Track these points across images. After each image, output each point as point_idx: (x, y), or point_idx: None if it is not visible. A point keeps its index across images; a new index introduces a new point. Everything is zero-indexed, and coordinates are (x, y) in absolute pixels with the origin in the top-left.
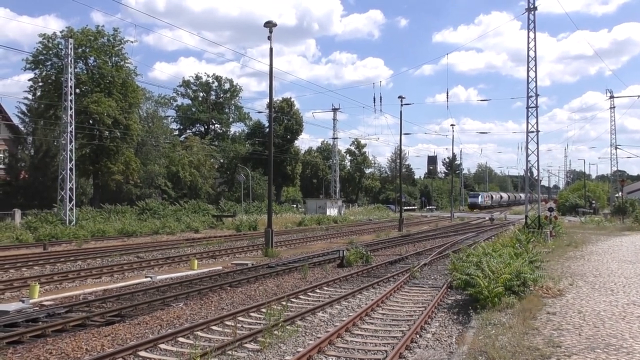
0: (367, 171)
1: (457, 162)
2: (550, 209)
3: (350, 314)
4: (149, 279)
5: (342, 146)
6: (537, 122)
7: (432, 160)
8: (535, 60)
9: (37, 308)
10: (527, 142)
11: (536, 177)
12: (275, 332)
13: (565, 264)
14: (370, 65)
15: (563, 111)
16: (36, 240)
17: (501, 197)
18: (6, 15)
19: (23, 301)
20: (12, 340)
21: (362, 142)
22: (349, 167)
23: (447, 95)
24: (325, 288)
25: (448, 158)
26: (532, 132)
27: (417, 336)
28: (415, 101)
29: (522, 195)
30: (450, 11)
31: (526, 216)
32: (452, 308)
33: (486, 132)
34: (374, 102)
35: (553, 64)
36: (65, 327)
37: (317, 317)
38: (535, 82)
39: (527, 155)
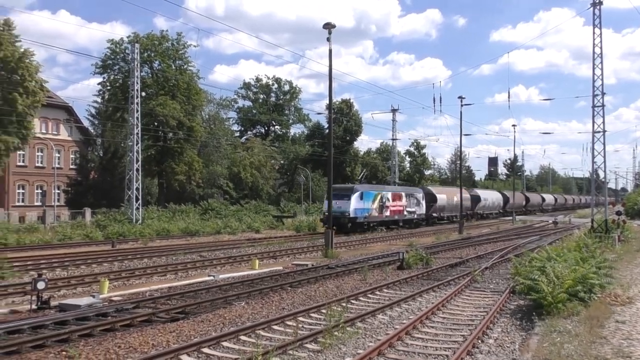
0: (427, 172)
1: (519, 163)
2: (618, 213)
3: (411, 317)
4: (211, 277)
5: (402, 147)
6: (603, 122)
7: (492, 161)
8: (602, 58)
9: (107, 303)
10: (593, 143)
11: (603, 179)
12: (336, 333)
13: (635, 271)
14: (428, 65)
15: (630, 110)
16: (105, 238)
17: (565, 199)
18: (78, 22)
19: (93, 296)
20: (84, 333)
21: (422, 143)
22: (408, 168)
23: (509, 95)
24: (385, 290)
25: (509, 159)
26: (598, 132)
27: (479, 341)
28: (475, 101)
29: (588, 198)
30: (509, 9)
31: (592, 220)
32: (515, 313)
33: (549, 133)
34: (434, 102)
35: (618, 61)
36: (132, 322)
37: (377, 320)
38: (602, 80)
39: (593, 157)
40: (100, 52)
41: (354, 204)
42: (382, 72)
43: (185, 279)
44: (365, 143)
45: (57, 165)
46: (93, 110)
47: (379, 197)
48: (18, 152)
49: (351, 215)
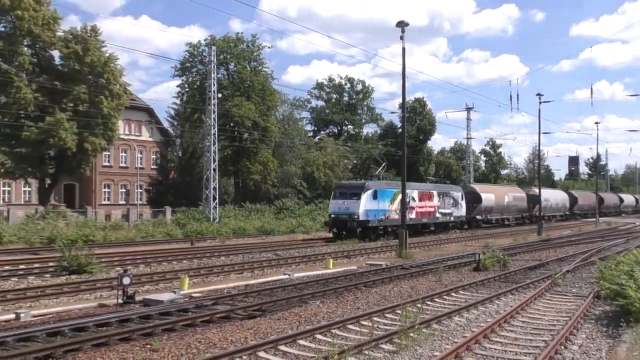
0: (503, 172)
1: (602, 162)
2: None
3: (488, 320)
4: (287, 276)
5: (476, 146)
6: None
7: (573, 160)
8: None
9: (187, 299)
10: None
11: None
12: (411, 334)
13: None
14: (504, 62)
15: None
16: (184, 236)
17: None
18: (158, 27)
19: (175, 292)
20: (167, 327)
21: (498, 141)
22: (483, 167)
23: (592, 91)
24: (461, 292)
25: (592, 158)
26: None
27: (562, 347)
28: (554, 98)
29: None
30: (591, 2)
31: None
32: (600, 320)
33: (636, 130)
34: (510, 100)
35: None
36: (212, 318)
37: (454, 322)
38: None
39: None
40: (179, 55)
41: (365, 204)
42: (456, 70)
43: (261, 277)
44: (438, 142)
45: (139, 165)
46: (172, 112)
47: (399, 197)
48: (104, 153)
49: (361, 218)
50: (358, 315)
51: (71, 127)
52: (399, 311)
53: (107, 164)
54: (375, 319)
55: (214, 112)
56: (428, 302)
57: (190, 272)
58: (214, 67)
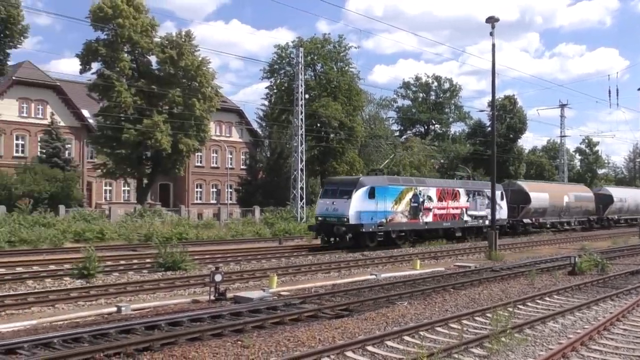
0: (600, 172)
1: None
2: None
3: (586, 327)
4: (373, 276)
5: (571, 145)
6: None
7: None
8: None
9: (276, 297)
10: None
11: None
12: (503, 339)
13: None
14: (601, 56)
15: None
16: (273, 235)
17: None
18: (248, 30)
19: (264, 290)
20: (257, 325)
21: (594, 139)
22: (578, 167)
23: None
24: (555, 296)
25: None
26: None
27: None
28: None
29: None
30: None
31: None
32: None
33: None
34: (609, 95)
35: None
36: (300, 317)
37: (548, 327)
38: None
39: None
40: (268, 57)
41: (357, 204)
42: (549, 66)
43: (348, 277)
44: (530, 141)
45: (229, 166)
46: (261, 113)
47: (409, 195)
48: (196, 154)
49: (352, 222)
50: (447, 318)
51: (166, 129)
52: (489, 314)
53: (199, 164)
54: (465, 321)
55: (301, 113)
56: (520, 306)
57: (278, 271)
58: (301, 68)
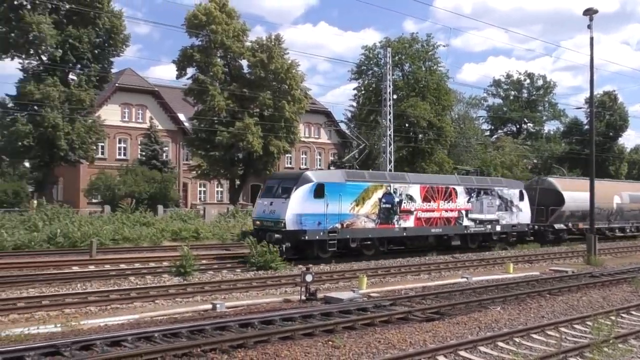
0: None
1: None
2: None
3: None
4: (464, 279)
5: None
6: None
7: None
8: None
9: (366, 299)
10: None
11: None
12: (605, 349)
13: None
14: None
15: None
16: None
17: None
18: (335, 32)
19: (354, 291)
20: (347, 325)
21: None
22: None
23: None
24: None
25: None
26: None
27: None
28: None
29: None
30: None
31: None
32: None
33: None
34: None
35: None
36: (390, 319)
37: None
38: None
39: None
40: (355, 58)
41: (296, 205)
42: None
43: (438, 280)
44: (632, 139)
45: (318, 167)
46: (349, 114)
47: (377, 194)
48: (286, 155)
49: (289, 227)
50: (543, 325)
51: (257, 131)
52: (589, 322)
53: (289, 165)
54: (563, 329)
55: (389, 113)
56: (623, 315)
57: (368, 272)
58: (389, 68)
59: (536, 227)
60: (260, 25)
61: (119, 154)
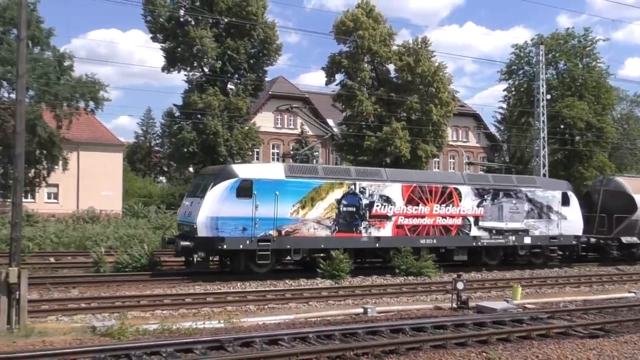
0: None
1: None
2: None
3: None
4: (632, 294)
5: None
6: None
7: None
8: None
9: (520, 310)
10: None
11: None
12: None
13: None
14: None
15: None
16: None
17: None
18: (482, 32)
19: (507, 301)
20: (501, 337)
21: None
22: None
23: None
24: None
25: None
26: None
27: None
28: None
29: None
30: None
31: None
32: None
33: None
34: None
35: None
36: (548, 332)
37: None
38: None
39: None
40: (503, 58)
41: (212, 206)
42: None
43: (600, 293)
44: None
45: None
46: (499, 116)
47: (335, 195)
48: (434, 159)
49: (200, 233)
50: None
51: (405, 135)
52: None
53: (437, 170)
54: None
55: (542, 115)
56: None
57: (522, 282)
58: (542, 67)
59: (592, 240)
60: (405, 28)
61: (273, 159)
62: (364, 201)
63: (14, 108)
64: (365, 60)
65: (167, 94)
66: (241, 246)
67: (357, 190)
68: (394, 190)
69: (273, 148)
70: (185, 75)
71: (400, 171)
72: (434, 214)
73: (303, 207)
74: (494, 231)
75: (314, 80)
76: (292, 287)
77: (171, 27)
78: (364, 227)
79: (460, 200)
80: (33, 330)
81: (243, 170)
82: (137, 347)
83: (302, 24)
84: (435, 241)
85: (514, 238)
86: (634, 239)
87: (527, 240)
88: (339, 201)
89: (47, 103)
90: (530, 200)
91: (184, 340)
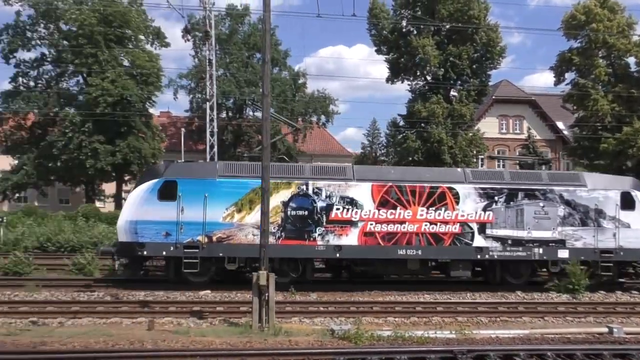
0: None
1: None
2: None
3: None
4: None
5: None
6: None
7: None
8: None
9: None
10: None
11: None
12: None
13: None
14: None
15: None
16: None
17: None
18: None
19: None
20: None
21: None
22: None
23: None
24: None
25: None
26: None
27: None
28: None
29: None
30: None
31: None
32: None
33: None
34: None
35: None
36: None
37: None
38: None
39: None
40: None
41: (132, 209)
42: None
43: None
44: None
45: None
46: None
47: (281, 196)
48: None
49: (120, 238)
50: None
51: None
52: None
53: None
54: None
55: None
56: None
57: None
58: None
59: None
60: None
61: (498, 165)
62: (320, 204)
63: (257, 125)
64: (600, 55)
65: (391, 105)
66: (164, 253)
67: (310, 191)
68: (361, 191)
69: (498, 154)
70: (409, 84)
71: (372, 168)
72: (418, 219)
73: (239, 211)
74: (509, 241)
75: (540, 81)
76: (525, 300)
77: (394, 38)
78: (319, 234)
79: (457, 202)
80: (280, 329)
81: (169, 170)
82: (373, 353)
83: (526, 23)
84: (420, 252)
85: (541, 251)
86: None
87: (564, 253)
88: (285, 204)
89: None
90: (567, 203)
91: (417, 349)
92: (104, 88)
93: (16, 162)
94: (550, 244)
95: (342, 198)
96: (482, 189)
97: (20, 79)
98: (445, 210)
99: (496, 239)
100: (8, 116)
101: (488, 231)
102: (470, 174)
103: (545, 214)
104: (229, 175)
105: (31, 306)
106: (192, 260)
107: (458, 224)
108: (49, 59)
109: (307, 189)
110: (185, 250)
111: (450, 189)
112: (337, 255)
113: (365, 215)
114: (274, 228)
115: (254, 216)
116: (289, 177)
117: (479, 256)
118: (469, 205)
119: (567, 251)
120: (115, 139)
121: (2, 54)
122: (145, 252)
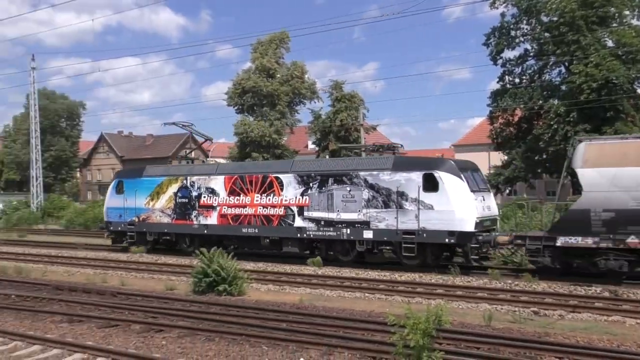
0: None
1: None
2: None
3: None
4: None
5: None
6: None
7: None
8: None
9: None
10: None
11: None
12: None
13: None
14: None
15: None
16: None
17: None
18: None
19: None
20: None
21: None
22: None
23: None
24: None
25: None
26: None
27: None
28: None
29: None
30: None
31: None
32: None
33: None
34: None
35: None
36: None
37: None
38: None
39: None
40: None
41: (107, 199)
42: None
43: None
44: None
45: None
46: None
47: (173, 189)
48: None
49: (105, 219)
50: None
51: None
52: None
53: None
54: None
55: None
56: None
57: None
58: None
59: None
60: None
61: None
62: (194, 193)
63: None
64: None
65: None
66: (119, 228)
67: (188, 184)
68: (218, 183)
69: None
70: None
71: (229, 164)
72: (255, 203)
73: (152, 200)
74: (322, 222)
75: None
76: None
77: None
78: (194, 216)
79: (281, 189)
80: None
81: (123, 173)
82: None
83: None
84: (257, 230)
85: (348, 231)
86: (594, 241)
87: (368, 234)
88: (175, 194)
89: None
90: (371, 187)
91: None
92: (588, 73)
93: (506, 157)
94: (357, 225)
95: (207, 188)
96: (300, 176)
97: (506, 77)
98: (273, 196)
99: (312, 220)
100: (498, 114)
101: (305, 213)
102: (293, 164)
103: (351, 197)
104: (147, 175)
105: (531, 296)
106: (131, 233)
107: (283, 207)
108: (531, 54)
109: (187, 182)
110: (128, 227)
111: (277, 177)
112: (205, 232)
113: (221, 201)
114: (170, 211)
115: (159, 203)
116: (176, 175)
117: (299, 235)
118: (290, 191)
119: (371, 232)
120: (602, 127)
121: (490, 56)
122: (112, 228)
